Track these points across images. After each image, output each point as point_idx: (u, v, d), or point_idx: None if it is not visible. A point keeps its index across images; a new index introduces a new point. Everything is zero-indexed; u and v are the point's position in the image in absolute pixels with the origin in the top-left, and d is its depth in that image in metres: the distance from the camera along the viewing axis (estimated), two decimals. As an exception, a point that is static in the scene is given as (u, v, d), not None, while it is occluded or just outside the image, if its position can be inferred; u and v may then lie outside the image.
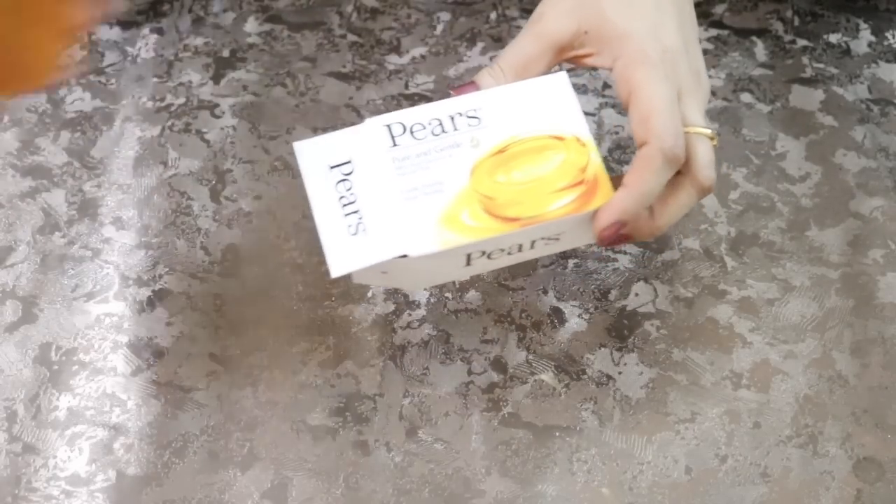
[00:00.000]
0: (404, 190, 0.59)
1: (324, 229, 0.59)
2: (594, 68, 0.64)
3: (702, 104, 0.63)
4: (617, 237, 0.60)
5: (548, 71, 0.63)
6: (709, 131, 0.61)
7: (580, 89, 0.76)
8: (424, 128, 0.60)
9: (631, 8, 0.62)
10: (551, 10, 0.63)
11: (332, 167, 0.60)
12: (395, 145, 0.60)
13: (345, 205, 0.59)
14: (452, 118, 0.61)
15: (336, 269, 0.59)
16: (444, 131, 0.60)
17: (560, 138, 0.61)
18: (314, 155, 0.61)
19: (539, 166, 0.60)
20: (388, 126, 0.60)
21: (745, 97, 0.76)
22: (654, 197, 0.60)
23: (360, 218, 0.59)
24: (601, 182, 0.60)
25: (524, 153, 0.60)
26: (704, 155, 0.61)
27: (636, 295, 0.69)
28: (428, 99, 0.76)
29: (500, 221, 0.59)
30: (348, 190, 0.60)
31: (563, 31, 0.63)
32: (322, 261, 0.69)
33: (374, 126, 0.60)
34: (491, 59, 0.78)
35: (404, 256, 0.58)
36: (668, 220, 0.62)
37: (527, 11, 0.80)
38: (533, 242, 0.61)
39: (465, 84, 0.63)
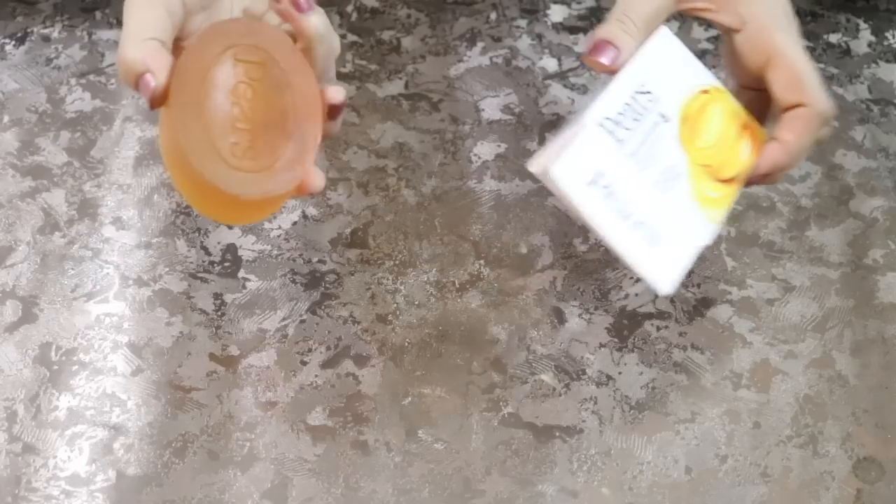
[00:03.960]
0: (655, 183, 0.60)
1: (626, 252, 0.60)
2: (710, 24, 0.64)
3: None
4: (761, 181, 0.63)
5: (667, 22, 0.62)
6: None
7: (580, 90, 0.76)
8: (624, 116, 0.60)
9: None
10: None
11: (588, 183, 0.59)
12: (620, 141, 0.59)
13: (625, 218, 0.59)
14: (635, 99, 0.60)
15: (664, 288, 0.60)
16: (638, 114, 0.60)
17: (706, 91, 0.62)
18: (571, 175, 0.58)
19: (714, 123, 0.62)
20: (602, 125, 0.59)
21: (745, 97, 0.76)
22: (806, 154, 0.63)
23: (645, 226, 0.60)
24: (751, 121, 0.63)
25: (698, 114, 0.62)
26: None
27: (636, 295, 0.69)
28: (428, 99, 0.76)
29: (726, 185, 0.62)
30: (617, 202, 0.59)
31: None
32: (322, 259, 0.70)
33: (591, 127, 0.59)
34: (491, 59, 0.78)
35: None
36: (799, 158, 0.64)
37: (527, 11, 0.80)
38: None
39: (598, 43, 0.60)
